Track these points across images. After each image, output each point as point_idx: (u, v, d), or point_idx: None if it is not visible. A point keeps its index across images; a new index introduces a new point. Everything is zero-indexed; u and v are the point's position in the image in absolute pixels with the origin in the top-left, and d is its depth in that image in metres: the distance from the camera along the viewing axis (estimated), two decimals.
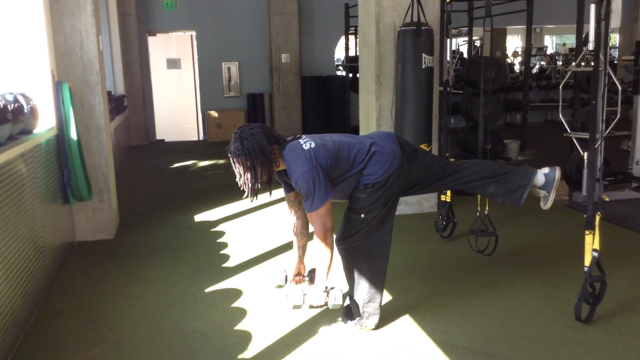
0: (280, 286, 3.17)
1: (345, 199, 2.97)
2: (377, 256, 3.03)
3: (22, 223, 3.38)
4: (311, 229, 2.94)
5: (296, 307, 2.86)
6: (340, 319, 3.17)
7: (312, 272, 3.06)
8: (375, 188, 2.86)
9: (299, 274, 3.15)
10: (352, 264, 3.03)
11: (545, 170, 3.19)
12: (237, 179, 2.82)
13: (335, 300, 2.84)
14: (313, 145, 2.81)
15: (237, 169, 2.79)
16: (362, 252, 3.00)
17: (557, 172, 3.18)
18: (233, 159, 2.79)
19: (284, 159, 2.82)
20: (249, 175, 2.76)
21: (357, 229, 2.93)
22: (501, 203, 3.25)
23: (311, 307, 2.89)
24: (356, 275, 3.04)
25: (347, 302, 3.12)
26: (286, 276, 3.14)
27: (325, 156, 2.79)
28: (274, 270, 3.19)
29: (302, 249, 3.15)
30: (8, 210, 3.13)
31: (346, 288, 3.08)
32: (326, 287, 2.85)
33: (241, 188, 2.82)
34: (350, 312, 3.12)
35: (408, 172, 2.97)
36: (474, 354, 2.88)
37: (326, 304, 2.85)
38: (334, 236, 2.96)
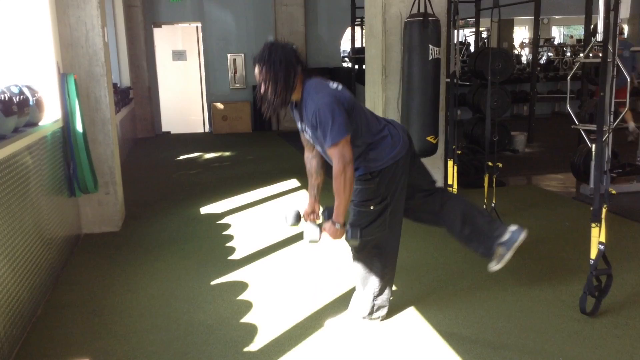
0: (294, 225, 3.10)
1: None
2: (389, 250, 3.02)
3: (28, 215, 3.39)
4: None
5: (313, 241, 2.81)
6: (347, 310, 3.17)
7: (326, 211, 3.01)
8: (382, 176, 2.84)
9: (312, 212, 3.09)
10: (364, 258, 3.01)
11: (513, 228, 3.08)
12: (255, 91, 2.78)
13: (353, 236, 2.78)
14: (340, 87, 2.80)
15: (258, 77, 2.74)
16: (375, 246, 2.98)
17: (523, 235, 3.07)
18: (256, 67, 2.74)
19: (305, 88, 2.75)
20: (269, 88, 2.71)
21: (369, 220, 2.90)
22: (473, 249, 3.18)
23: (327, 241, 2.81)
24: (367, 269, 3.01)
25: (356, 295, 3.12)
26: (300, 215, 3.08)
27: (348, 100, 2.76)
28: (288, 209, 3.09)
29: (317, 188, 3.08)
30: (14, 202, 3.13)
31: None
32: (344, 223, 2.79)
33: (258, 102, 2.78)
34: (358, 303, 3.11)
35: (410, 171, 2.96)
36: (480, 346, 2.87)
37: (344, 239, 2.80)
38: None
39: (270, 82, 2.70)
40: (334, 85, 2.80)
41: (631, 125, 8.32)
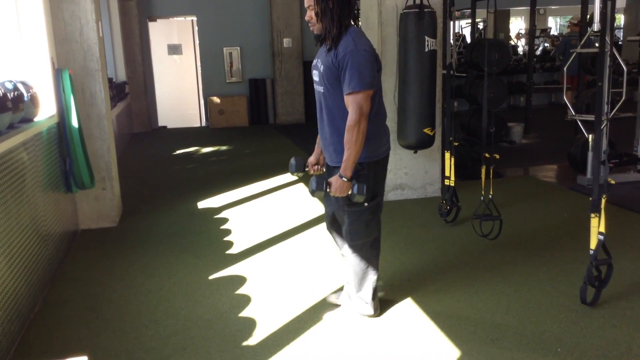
0: (297, 174, 3.07)
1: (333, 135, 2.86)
2: (379, 247, 3.05)
3: (25, 212, 3.37)
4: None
5: (318, 194, 2.75)
6: (342, 304, 3.17)
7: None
8: (371, 169, 2.83)
9: (317, 163, 3.08)
10: (364, 260, 2.98)
11: (370, 304, 3.05)
12: (306, 17, 2.75)
13: (359, 191, 2.71)
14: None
15: (308, 3, 2.70)
16: (372, 245, 2.98)
17: (365, 311, 3.06)
18: None
19: (347, 32, 2.70)
20: (322, 18, 2.67)
21: (367, 219, 2.90)
22: (344, 281, 3.17)
23: (334, 194, 2.75)
24: (365, 268, 2.99)
25: (349, 295, 3.12)
26: (305, 164, 3.05)
27: (380, 66, 2.76)
28: (293, 158, 3.07)
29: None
30: (10, 199, 3.12)
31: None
32: (351, 177, 2.73)
33: (310, 25, 2.75)
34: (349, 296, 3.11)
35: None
36: (479, 338, 2.87)
37: (349, 194, 2.74)
38: (347, 240, 2.96)
39: (321, 11, 2.65)
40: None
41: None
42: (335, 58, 2.69)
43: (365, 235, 2.93)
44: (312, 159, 3.10)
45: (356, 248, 2.96)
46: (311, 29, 2.78)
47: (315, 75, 2.87)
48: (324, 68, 2.76)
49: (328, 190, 2.75)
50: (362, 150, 2.74)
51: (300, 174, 3.07)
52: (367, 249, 2.96)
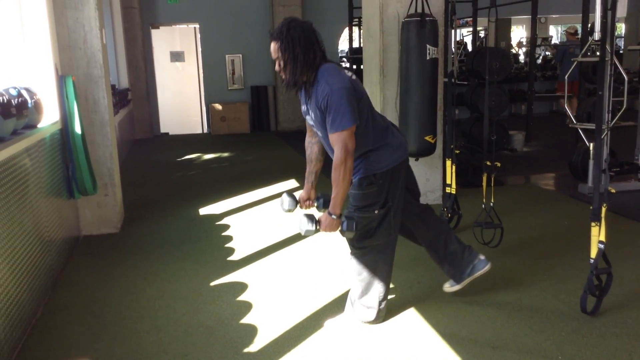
0: (290, 210, 3.07)
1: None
2: (391, 253, 3.03)
3: (28, 217, 3.39)
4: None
5: (308, 232, 2.77)
6: (345, 310, 3.17)
7: (321, 198, 3.00)
8: (385, 178, 2.84)
9: (308, 198, 3.08)
10: (368, 263, 2.98)
11: (482, 257, 3.22)
12: (276, 68, 2.73)
13: (349, 228, 2.74)
14: (354, 77, 2.77)
15: (274, 56, 2.68)
16: (381, 251, 2.97)
17: (487, 267, 3.21)
18: (272, 44, 2.67)
19: (320, 71, 2.69)
20: (287, 68, 2.67)
21: (374, 225, 2.90)
22: (444, 270, 3.29)
23: (324, 231, 2.77)
24: (372, 274, 2.99)
25: (351, 300, 3.12)
26: (297, 200, 3.07)
27: (361, 89, 2.75)
28: (284, 194, 3.08)
29: (315, 175, 3.07)
30: (13, 204, 3.13)
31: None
32: (340, 214, 2.76)
33: (280, 75, 2.75)
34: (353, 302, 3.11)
35: (406, 175, 2.98)
36: (480, 346, 2.87)
37: (339, 231, 2.77)
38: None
39: (289, 61, 2.63)
40: (349, 73, 2.76)
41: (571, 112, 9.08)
42: (317, 103, 2.71)
43: (371, 239, 2.93)
44: (303, 195, 3.11)
45: (362, 253, 2.97)
46: (282, 78, 2.75)
47: (310, 120, 2.89)
48: (314, 115, 2.79)
49: (318, 228, 2.78)
50: (367, 165, 2.81)
51: (292, 210, 3.10)
52: (375, 254, 2.96)
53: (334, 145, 2.69)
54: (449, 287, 3.34)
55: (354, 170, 2.82)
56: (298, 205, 3.08)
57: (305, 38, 2.63)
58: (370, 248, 2.95)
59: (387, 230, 2.94)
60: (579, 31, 9.44)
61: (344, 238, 2.98)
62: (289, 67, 2.66)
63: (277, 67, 2.73)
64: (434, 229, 3.21)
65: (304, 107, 2.88)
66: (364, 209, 2.88)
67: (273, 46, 2.67)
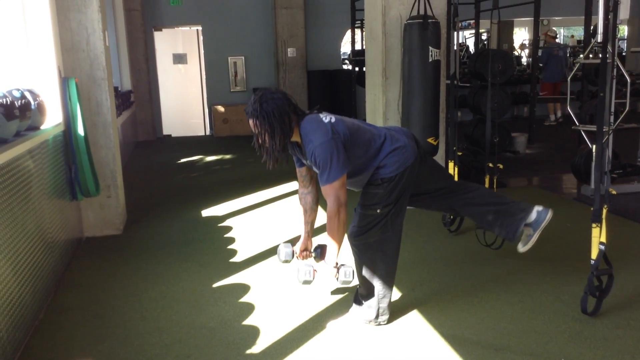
0: (287, 261, 3.11)
1: (358, 188, 2.94)
2: (391, 252, 3.03)
3: (30, 219, 3.39)
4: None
5: (306, 282, 2.81)
6: (350, 310, 3.17)
7: (318, 248, 3.03)
8: (393, 183, 2.85)
9: (306, 249, 3.11)
10: (367, 260, 3.00)
11: (539, 208, 3.20)
12: (252, 143, 2.78)
13: (346, 276, 2.79)
14: (333, 119, 2.79)
15: (254, 131, 2.74)
16: (378, 249, 2.98)
17: (549, 214, 3.18)
18: (250, 121, 2.74)
19: (301, 130, 2.76)
20: (266, 139, 2.72)
21: (373, 223, 2.91)
22: (497, 234, 3.30)
23: (321, 282, 2.83)
24: (370, 272, 3.01)
25: (355, 300, 3.13)
26: (293, 251, 3.10)
27: (344, 131, 2.76)
28: (281, 245, 3.12)
29: (311, 225, 3.11)
30: (16, 206, 3.14)
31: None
32: (337, 263, 2.80)
33: (257, 153, 2.79)
34: (359, 301, 3.11)
35: (418, 172, 2.96)
36: (482, 348, 2.87)
37: (337, 279, 2.80)
38: (348, 229, 2.95)
39: (268, 134, 2.71)
40: (327, 119, 2.78)
41: (556, 114, 10.63)
42: (308, 157, 2.79)
43: (368, 235, 2.94)
44: (300, 246, 3.14)
45: (360, 248, 2.99)
46: (264, 150, 2.80)
47: (314, 168, 2.91)
48: (312, 165, 2.84)
49: (314, 277, 2.83)
50: (375, 174, 2.85)
51: (290, 261, 3.13)
52: (372, 252, 2.97)
53: (326, 197, 2.77)
54: (521, 247, 3.27)
55: (364, 182, 2.89)
56: (295, 256, 3.10)
57: (279, 108, 2.70)
58: (366, 245, 2.97)
59: (383, 228, 2.94)
60: (584, 35, 9.65)
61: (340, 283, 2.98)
62: (270, 140, 2.73)
63: (257, 141, 2.78)
64: (468, 206, 3.21)
65: (302, 161, 2.97)
66: (368, 207, 2.92)
67: (250, 122, 2.75)
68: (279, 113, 2.69)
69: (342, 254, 2.88)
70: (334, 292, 3.46)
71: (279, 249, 3.12)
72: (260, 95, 2.73)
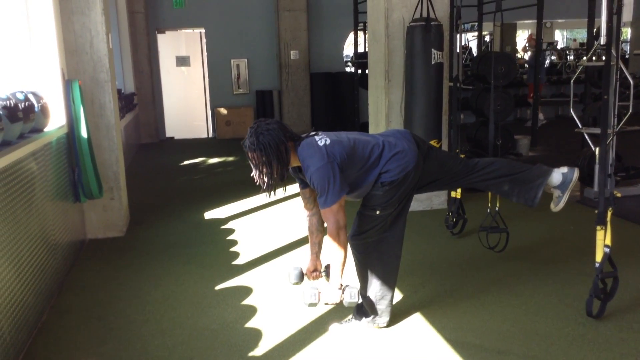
0: (297, 283, 3.12)
1: (360, 198, 2.96)
2: (390, 253, 3.02)
3: (34, 221, 3.40)
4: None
5: (312, 305, 2.82)
6: (351, 316, 3.17)
7: (328, 268, 3.03)
8: (393, 186, 2.85)
9: (315, 269, 3.11)
10: (365, 260, 3.02)
11: (564, 169, 3.15)
12: (252, 174, 2.80)
13: (351, 297, 2.81)
14: (328, 141, 2.79)
15: (253, 163, 2.76)
16: (376, 249, 2.98)
17: (576, 173, 3.13)
18: (248, 154, 2.76)
19: (299, 155, 2.79)
20: (264, 170, 2.74)
21: (372, 225, 2.92)
22: (515, 202, 3.21)
23: (326, 304, 2.84)
24: (369, 272, 3.02)
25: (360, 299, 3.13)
26: (303, 273, 3.11)
27: (340, 152, 2.77)
28: (290, 267, 3.13)
29: (318, 245, 3.11)
30: (20, 208, 3.15)
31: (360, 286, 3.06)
32: (341, 285, 2.82)
33: (256, 183, 2.80)
34: (361, 309, 3.11)
35: (423, 169, 2.95)
36: (485, 351, 2.87)
37: (342, 301, 2.81)
38: (348, 232, 2.94)
39: (265, 166, 2.73)
40: (321, 142, 2.78)
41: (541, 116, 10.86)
42: (307, 181, 2.81)
43: (367, 235, 2.95)
44: (309, 266, 3.12)
45: (359, 248, 3.00)
46: (263, 182, 2.79)
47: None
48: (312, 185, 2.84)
49: (319, 301, 2.82)
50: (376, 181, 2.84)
51: (300, 283, 3.11)
52: (370, 252, 2.98)
53: (325, 220, 2.79)
54: (553, 207, 3.25)
55: (368, 182, 2.88)
56: (305, 277, 3.10)
57: (274, 139, 2.72)
58: (365, 245, 2.97)
59: (381, 229, 2.95)
60: (587, 37, 9.72)
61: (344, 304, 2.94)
62: (266, 171, 2.75)
63: (257, 174, 2.79)
64: (482, 182, 3.17)
65: (302, 184, 2.97)
66: (368, 208, 2.92)
67: (249, 155, 2.77)
68: (275, 144, 2.71)
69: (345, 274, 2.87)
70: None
71: (289, 271, 3.11)
72: (256, 128, 2.75)
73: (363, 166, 2.83)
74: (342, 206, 2.76)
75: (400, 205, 2.93)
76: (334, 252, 2.78)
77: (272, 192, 2.82)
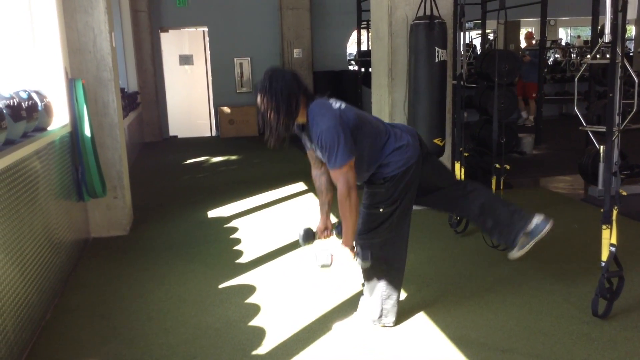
0: (308, 243, 3.08)
1: (360, 181, 2.93)
2: (396, 252, 3.02)
3: (37, 220, 3.40)
4: None
5: (325, 266, 2.79)
6: (355, 313, 3.17)
7: (339, 225, 2.99)
8: (394, 182, 2.84)
9: (325, 228, 3.09)
10: (369, 260, 2.99)
11: (539, 218, 3.09)
12: (257, 119, 2.75)
13: (364, 258, 2.78)
14: (343, 106, 2.79)
15: (261, 107, 2.73)
16: (381, 249, 2.97)
17: (549, 226, 3.07)
18: (257, 97, 2.73)
19: (309, 112, 2.75)
20: (271, 117, 2.71)
21: (378, 223, 2.91)
22: (495, 240, 3.23)
23: (339, 266, 2.80)
24: (374, 272, 3.00)
25: (363, 299, 3.12)
26: (313, 233, 3.06)
27: (354, 120, 2.75)
28: (300, 228, 3.09)
29: (328, 205, 3.08)
30: (23, 207, 3.15)
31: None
32: (353, 246, 2.80)
33: (261, 130, 2.77)
34: (367, 308, 3.10)
35: (422, 171, 2.94)
36: (489, 350, 2.86)
37: (354, 262, 2.79)
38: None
39: (273, 111, 2.70)
40: (337, 105, 2.77)
41: (524, 114, 11.05)
42: (314, 140, 2.77)
43: (373, 235, 2.93)
44: (320, 226, 3.12)
45: (363, 248, 2.96)
46: (271, 127, 2.77)
47: (321, 157, 2.89)
48: (318, 151, 2.83)
49: (331, 262, 2.80)
50: (377, 173, 2.83)
51: (312, 242, 3.10)
52: (375, 251, 2.95)
53: (335, 181, 2.76)
54: (513, 253, 3.18)
55: (366, 177, 2.88)
56: (316, 237, 3.08)
57: (288, 88, 2.69)
58: (371, 245, 2.95)
59: (388, 229, 2.94)
60: (591, 35, 9.72)
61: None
62: (275, 118, 2.72)
63: (261, 118, 2.77)
64: (468, 207, 3.16)
65: (307, 145, 2.95)
66: (371, 206, 2.91)
67: (258, 99, 2.75)
68: (286, 93, 2.67)
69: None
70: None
71: (299, 232, 3.07)
72: (271, 74, 2.71)
73: (371, 145, 2.81)
74: (352, 167, 2.71)
75: (404, 202, 2.92)
76: (345, 212, 2.73)
77: (273, 142, 2.76)
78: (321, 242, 3.05)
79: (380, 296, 3.03)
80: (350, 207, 2.72)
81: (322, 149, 2.72)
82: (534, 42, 11.86)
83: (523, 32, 16.28)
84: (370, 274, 3.02)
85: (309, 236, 3.06)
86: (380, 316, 3.07)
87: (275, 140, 2.77)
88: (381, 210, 2.88)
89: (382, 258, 2.99)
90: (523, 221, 3.07)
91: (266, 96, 2.69)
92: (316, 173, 3.08)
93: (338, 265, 2.82)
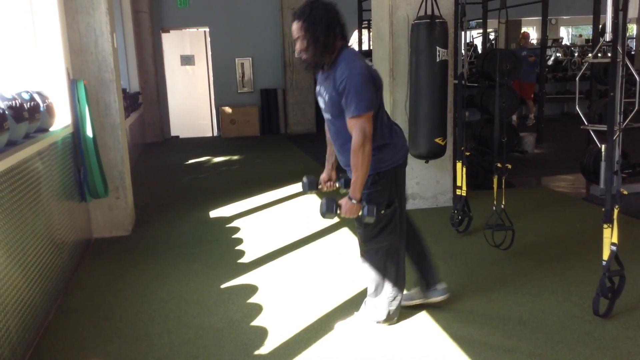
0: (310, 191, 3.06)
1: (344, 159, 2.90)
2: (401, 254, 3.03)
3: (40, 220, 3.41)
4: None
5: (329, 216, 2.75)
6: (356, 312, 3.17)
7: (341, 179, 2.97)
8: (389, 178, 2.86)
9: (329, 179, 3.07)
10: (378, 264, 2.99)
11: (442, 286, 3.28)
12: (293, 49, 2.70)
13: (369, 213, 2.73)
14: (374, 67, 2.78)
15: (295, 35, 2.67)
16: (388, 252, 2.97)
17: (443, 297, 3.29)
18: (294, 22, 2.66)
19: (341, 57, 2.68)
20: (309, 47, 2.65)
21: (382, 225, 2.90)
22: (414, 269, 3.30)
23: (343, 217, 2.77)
24: (380, 275, 2.99)
25: (365, 301, 3.12)
26: (317, 182, 3.04)
27: (378, 83, 2.75)
28: (304, 177, 3.07)
29: (335, 156, 3.06)
30: (26, 207, 3.16)
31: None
32: (361, 199, 2.75)
33: (298, 55, 2.73)
34: (371, 308, 3.10)
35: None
36: (491, 349, 2.86)
37: (359, 216, 2.76)
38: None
39: (311, 41, 2.62)
40: (370, 62, 2.76)
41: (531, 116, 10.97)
42: (335, 85, 2.70)
43: (379, 240, 2.93)
44: (324, 176, 3.10)
45: (371, 253, 2.98)
46: (303, 58, 2.74)
47: (321, 103, 2.88)
48: (328, 97, 2.78)
49: (338, 212, 2.77)
50: (371, 163, 2.79)
51: (314, 192, 3.08)
52: (382, 255, 2.96)
53: (351, 129, 2.68)
54: (405, 301, 3.23)
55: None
56: (319, 187, 3.06)
57: (328, 19, 2.62)
58: (376, 249, 2.95)
59: (393, 231, 2.94)
60: (592, 34, 9.70)
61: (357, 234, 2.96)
62: (310, 48, 2.65)
63: (297, 47, 2.72)
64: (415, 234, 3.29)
65: (319, 88, 2.88)
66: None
67: (295, 25, 2.66)
68: (326, 24, 2.60)
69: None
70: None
71: (303, 180, 3.04)
72: (314, 1, 2.63)
73: (380, 122, 2.81)
74: (370, 119, 2.66)
75: (401, 202, 2.96)
76: (357, 163, 2.68)
77: (310, 70, 2.73)
78: (323, 199, 2.92)
79: (387, 298, 3.03)
80: (362, 158, 2.66)
81: (345, 91, 2.64)
82: (531, 41, 11.83)
83: (524, 31, 16.30)
84: (377, 277, 3.01)
85: (312, 185, 3.03)
86: (387, 318, 3.07)
87: (310, 68, 2.73)
88: (382, 212, 2.88)
89: (390, 261, 2.98)
90: (434, 279, 3.27)
91: (305, 23, 2.61)
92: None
93: (342, 214, 2.76)
